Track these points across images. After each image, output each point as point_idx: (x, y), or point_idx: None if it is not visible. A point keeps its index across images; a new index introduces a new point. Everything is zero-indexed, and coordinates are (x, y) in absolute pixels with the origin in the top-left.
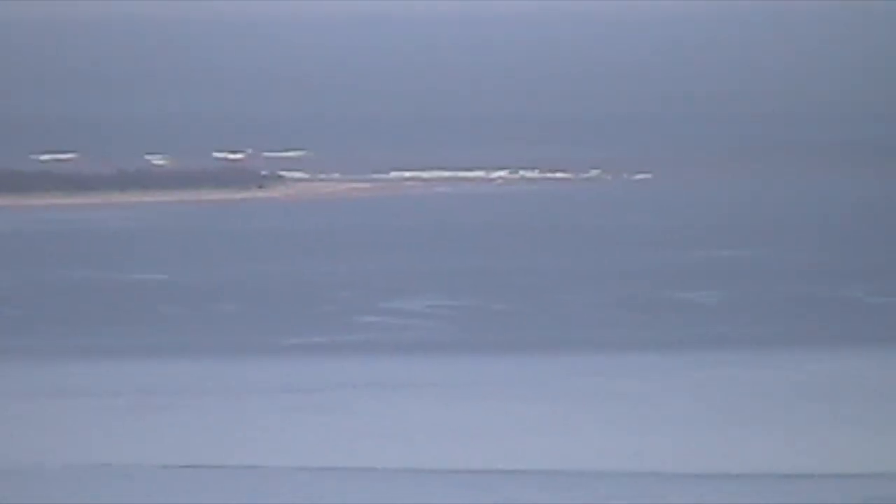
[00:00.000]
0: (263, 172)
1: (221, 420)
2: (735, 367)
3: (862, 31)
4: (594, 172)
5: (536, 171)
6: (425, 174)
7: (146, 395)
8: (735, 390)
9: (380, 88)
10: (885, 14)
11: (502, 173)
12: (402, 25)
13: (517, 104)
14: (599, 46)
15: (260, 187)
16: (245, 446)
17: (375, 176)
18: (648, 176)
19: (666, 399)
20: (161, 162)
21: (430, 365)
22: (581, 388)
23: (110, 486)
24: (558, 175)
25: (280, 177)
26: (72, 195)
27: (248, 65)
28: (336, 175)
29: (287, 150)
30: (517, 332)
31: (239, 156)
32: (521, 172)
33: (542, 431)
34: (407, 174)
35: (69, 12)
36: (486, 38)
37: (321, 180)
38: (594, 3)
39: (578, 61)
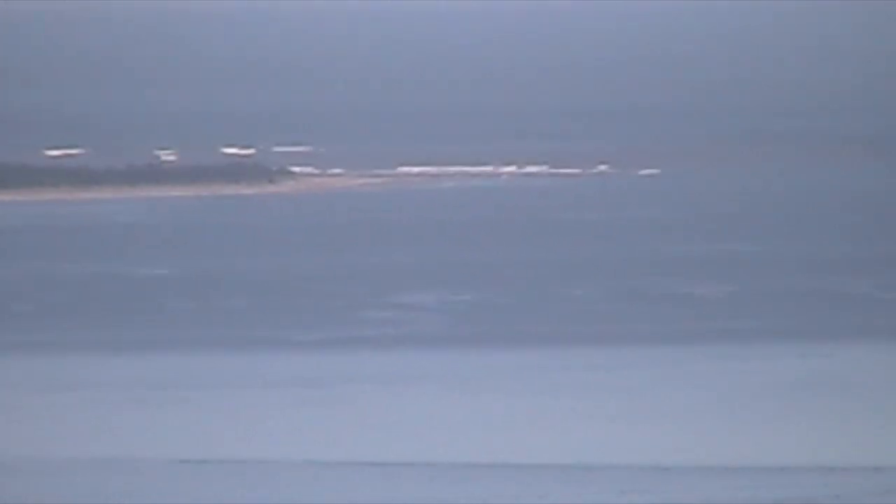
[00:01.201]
0: (273, 167)
1: (229, 414)
2: (740, 360)
3: (873, 22)
4: (602, 167)
5: (544, 166)
6: (433, 169)
7: (155, 390)
8: (739, 383)
9: (389, 83)
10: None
11: (510, 168)
12: (412, 19)
13: (525, 98)
14: (609, 39)
15: (270, 182)
16: (252, 440)
17: (384, 171)
18: (656, 171)
19: (671, 392)
20: (170, 157)
21: (437, 359)
22: (587, 382)
23: (117, 481)
24: (565, 171)
25: (290, 172)
26: (81, 190)
27: (255, 59)
28: (345, 170)
29: (296, 145)
30: (523, 325)
31: (248, 151)
32: (529, 168)
33: (548, 425)
34: (415, 169)
35: (76, 6)
36: (495, 31)
37: (331, 175)
38: None
39: (587, 54)
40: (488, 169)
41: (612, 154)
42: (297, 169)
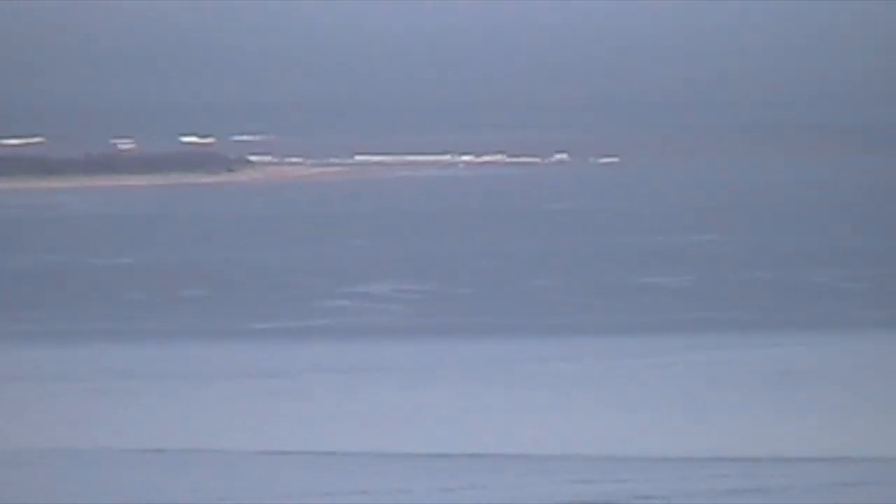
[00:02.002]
0: (232, 156)
1: (185, 404)
2: (704, 350)
3: (822, 20)
4: (561, 156)
5: (501, 155)
6: (390, 158)
7: (110, 379)
8: (704, 374)
9: (347, 73)
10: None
11: (467, 158)
12: (369, 10)
13: (483, 89)
14: (568, 30)
15: (229, 171)
16: (209, 430)
17: (342, 160)
18: (615, 160)
19: (635, 382)
20: (129, 146)
21: (396, 349)
22: (550, 372)
23: (77, 471)
24: (524, 159)
25: (248, 161)
26: (39, 179)
27: (213, 48)
28: (304, 159)
29: (254, 135)
30: (484, 316)
31: (207, 140)
32: (487, 157)
33: (508, 415)
34: (373, 158)
35: None
36: (452, 21)
37: (289, 164)
38: None
39: (546, 46)
40: (445, 158)
41: (571, 143)
42: (255, 158)
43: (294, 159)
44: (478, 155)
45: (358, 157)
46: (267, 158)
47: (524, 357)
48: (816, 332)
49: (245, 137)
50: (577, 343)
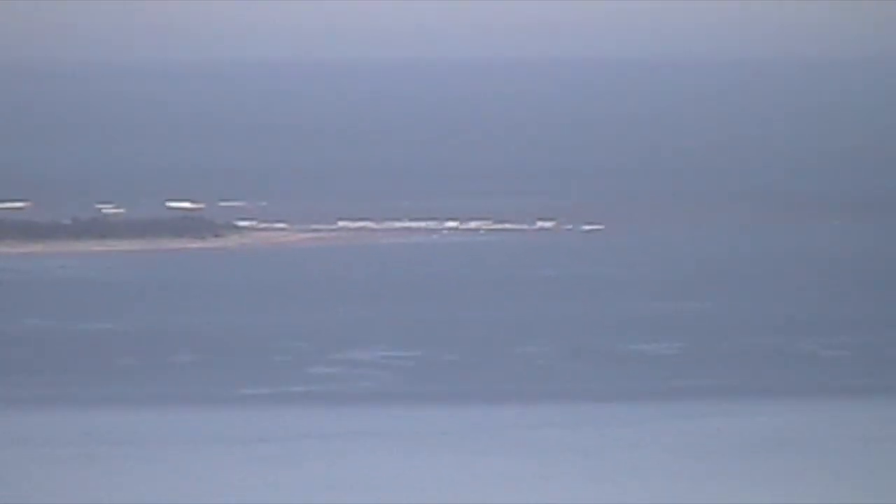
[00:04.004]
0: (219, 222)
1: (175, 469)
2: (691, 418)
3: (812, 83)
4: (546, 223)
5: (487, 221)
6: (375, 224)
7: (99, 445)
8: (691, 442)
9: (331, 138)
10: (830, 64)
11: (452, 224)
12: (352, 74)
13: (467, 155)
14: (553, 97)
15: (216, 236)
16: (199, 496)
17: (328, 226)
18: (600, 227)
19: (624, 451)
20: (115, 211)
21: (384, 415)
22: (537, 440)
23: None
24: (509, 226)
25: (235, 226)
26: (26, 243)
27: (198, 113)
28: (290, 225)
29: (240, 200)
30: (471, 383)
31: (192, 205)
32: (471, 223)
33: (493, 484)
34: (358, 224)
35: (21, 60)
36: (437, 87)
37: (276, 230)
38: (547, 51)
39: (530, 112)
40: (431, 224)
41: (555, 210)
42: (242, 223)
43: (280, 225)
44: (463, 221)
45: (341, 223)
46: (253, 223)
47: (511, 424)
48: (801, 399)
49: (231, 203)
50: (565, 410)
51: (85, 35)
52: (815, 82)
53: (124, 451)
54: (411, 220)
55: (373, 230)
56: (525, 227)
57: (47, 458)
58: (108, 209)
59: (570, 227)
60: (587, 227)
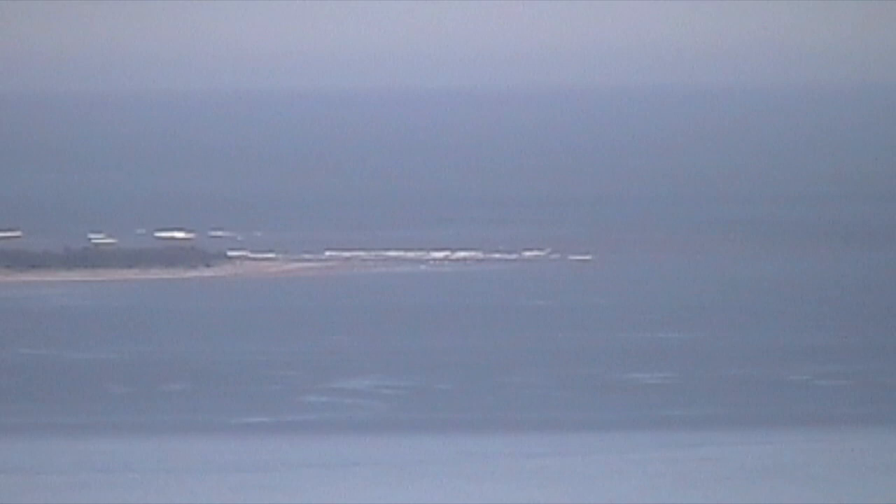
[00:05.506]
0: (210, 251)
1: (169, 498)
2: (682, 448)
3: (808, 114)
4: (535, 253)
5: (476, 251)
6: (364, 254)
7: (92, 472)
8: (682, 471)
9: (324, 168)
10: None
11: (441, 254)
12: (343, 103)
13: (456, 184)
14: (543, 126)
15: (207, 266)
16: None
17: (319, 255)
18: (588, 257)
19: (612, 480)
20: (106, 240)
21: (378, 444)
22: (528, 468)
23: None
24: (498, 256)
25: (226, 256)
26: (18, 273)
27: (186, 142)
28: (280, 255)
29: (230, 230)
30: (463, 411)
31: (183, 235)
32: (460, 253)
33: None
34: (348, 254)
35: (11, 90)
36: (429, 116)
37: (266, 260)
38: (539, 82)
39: (520, 141)
40: (420, 254)
41: (545, 239)
42: (233, 253)
43: (270, 255)
44: (452, 251)
45: (330, 253)
46: (244, 254)
47: (504, 452)
48: (793, 429)
49: (221, 233)
50: (557, 439)
51: (77, 65)
52: (812, 110)
53: (118, 478)
54: (400, 249)
55: (362, 260)
56: (514, 256)
57: (41, 485)
58: (98, 239)
59: (558, 256)
60: (576, 257)
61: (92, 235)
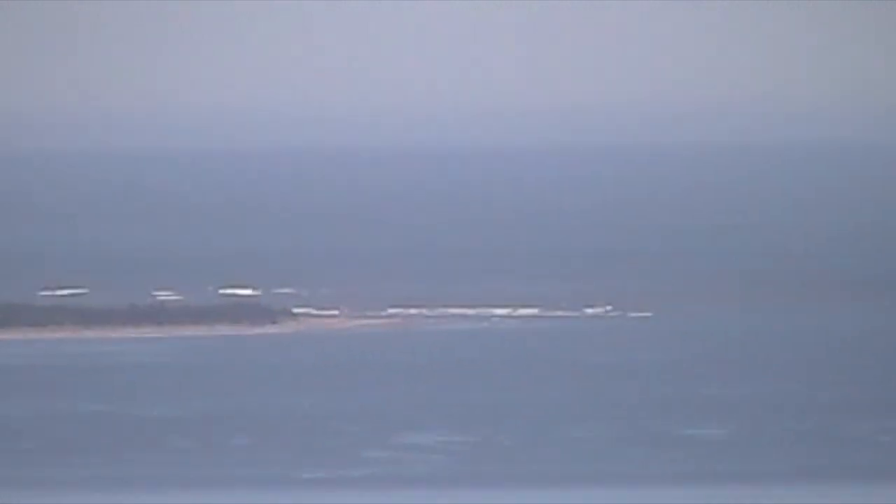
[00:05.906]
0: (275, 308)
1: None
2: (743, 502)
3: (862, 167)
4: (594, 310)
5: (537, 308)
6: (426, 311)
7: None
8: None
9: (378, 224)
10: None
11: (504, 311)
12: (404, 159)
13: (515, 238)
14: (601, 181)
15: (273, 322)
16: None
17: (380, 312)
18: (649, 314)
19: None
20: (171, 297)
21: (441, 499)
22: None
23: None
24: (559, 313)
25: (291, 313)
26: (84, 329)
27: (245, 199)
28: (343, 311)
29: (292, 286)
30: (526, 465)
31: (247, 291)
32: (522, 310)
33: None
34: (409, 311)
35: (70, 146)
36: (489, 171)
37: (330, 316)
38: (594, 137)
39: (578, 196)
40: (482, 311)
41: (605, 296)
42: (298, 310)
43: (333, 311)
44: (514, 308)
45: (392, 310)
46: (308, 310)
47: None
48: (853, 485)
49: (285, 290)
50: (613, 493)
51: (132, 121)
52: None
53: None
54: (462, 307)
55: (424, 317)
56: (575, 313)
57: None
58: (163, 295)
59: (618, 314)
60: (636, 314)
61: (156, 292)
